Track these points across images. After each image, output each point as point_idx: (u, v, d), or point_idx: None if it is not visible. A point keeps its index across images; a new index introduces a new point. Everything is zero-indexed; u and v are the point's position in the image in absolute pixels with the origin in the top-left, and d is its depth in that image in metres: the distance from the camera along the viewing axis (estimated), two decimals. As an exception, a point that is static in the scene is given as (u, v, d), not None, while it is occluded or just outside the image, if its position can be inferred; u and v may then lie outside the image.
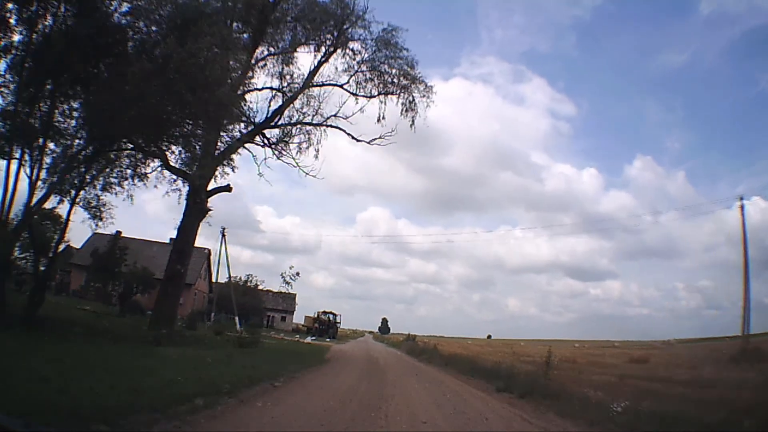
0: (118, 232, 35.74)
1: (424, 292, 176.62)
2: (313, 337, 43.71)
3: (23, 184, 12.74)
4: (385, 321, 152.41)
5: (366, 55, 20.54)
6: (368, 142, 21.24)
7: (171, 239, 49.60)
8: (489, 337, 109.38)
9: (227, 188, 20.01)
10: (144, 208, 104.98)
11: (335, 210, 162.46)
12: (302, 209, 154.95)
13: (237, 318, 33.97)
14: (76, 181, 26.02)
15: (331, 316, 54.21)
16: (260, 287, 52.35)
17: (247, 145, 19.69)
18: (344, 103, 20.47)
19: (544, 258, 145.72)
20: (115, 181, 26.31)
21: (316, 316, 53.81)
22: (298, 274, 21.34)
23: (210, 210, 19.96)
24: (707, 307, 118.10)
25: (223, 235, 37.13)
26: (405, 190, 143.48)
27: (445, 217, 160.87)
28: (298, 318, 68.10)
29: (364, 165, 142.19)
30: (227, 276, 39.66)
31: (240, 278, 50.67)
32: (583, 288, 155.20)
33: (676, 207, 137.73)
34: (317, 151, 20.17)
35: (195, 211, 18.98)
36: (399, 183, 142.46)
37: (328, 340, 44.89)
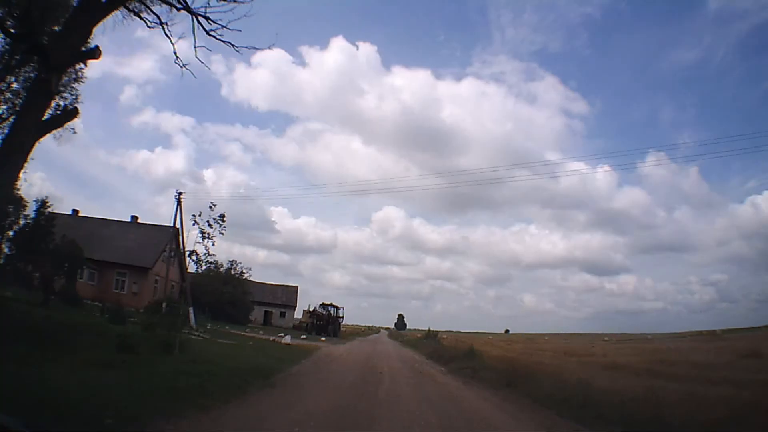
0: (44, 200, 26.93)
1: (440, 289, 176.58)
2: (304, 336, 34.24)
3: None
4: (401, 317, 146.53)
5: None
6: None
7: (132, 216, 40.92)
8: (507, 331, 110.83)
9: (93, 53, 10.97)
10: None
11: (351, 210, 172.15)
12: (317, 210, 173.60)
13: (192, 310, 24.71)
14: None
15: (331, 309, 44.64)
16: (246, 276, 43.02)
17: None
18: None
19: (559, 254, 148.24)
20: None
21: (311, 309, 44.28)
22: (222, 218, 11.59)
23: (75, 110, 11.01)
24: (720, 300, 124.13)
25: (179, 202, 28.05)
26: (420, 191, 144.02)
27: (459, 216, 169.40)
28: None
29: (378, 166, 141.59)
30: (187, 257, 30.25)
31: (221, 265, 41.50)
32: (598, 283, 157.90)
33: (688, 202, 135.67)
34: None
35: (38, 98, 9.93)
36: (414, 184, 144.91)
37: (323, 338, 35.45)
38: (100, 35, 11.54)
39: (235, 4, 11.57)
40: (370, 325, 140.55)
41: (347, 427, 6.13)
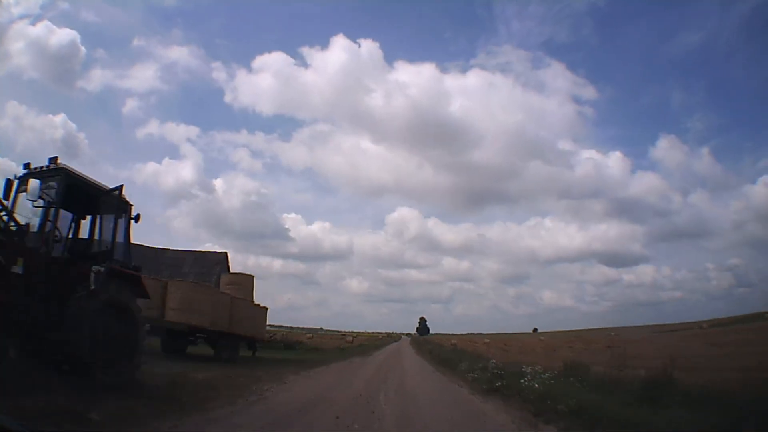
0: None
1: (459, 291, 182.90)
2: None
3: None
4: (423, 321, 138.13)
5: None
6: None
7: None
8: (535, 330, 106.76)
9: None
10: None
11: (365, 213, 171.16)
12: (331, 215, 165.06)
13: None
14: None
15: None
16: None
17: None
18: None
19: (576, 247, 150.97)
20: None
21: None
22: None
23: None
24: (738, 285, 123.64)
25: None
26: (434, 189, 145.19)
27: (475, 213, 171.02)
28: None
29: (390, 166, 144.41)
30: None
31: None
32: (616, 275, 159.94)
33: (702, 185, 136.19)
34: None
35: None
36: (427, 181, 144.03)
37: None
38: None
39: None
40: (390, 331, 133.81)
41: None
